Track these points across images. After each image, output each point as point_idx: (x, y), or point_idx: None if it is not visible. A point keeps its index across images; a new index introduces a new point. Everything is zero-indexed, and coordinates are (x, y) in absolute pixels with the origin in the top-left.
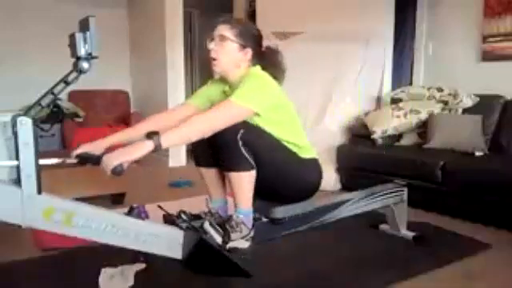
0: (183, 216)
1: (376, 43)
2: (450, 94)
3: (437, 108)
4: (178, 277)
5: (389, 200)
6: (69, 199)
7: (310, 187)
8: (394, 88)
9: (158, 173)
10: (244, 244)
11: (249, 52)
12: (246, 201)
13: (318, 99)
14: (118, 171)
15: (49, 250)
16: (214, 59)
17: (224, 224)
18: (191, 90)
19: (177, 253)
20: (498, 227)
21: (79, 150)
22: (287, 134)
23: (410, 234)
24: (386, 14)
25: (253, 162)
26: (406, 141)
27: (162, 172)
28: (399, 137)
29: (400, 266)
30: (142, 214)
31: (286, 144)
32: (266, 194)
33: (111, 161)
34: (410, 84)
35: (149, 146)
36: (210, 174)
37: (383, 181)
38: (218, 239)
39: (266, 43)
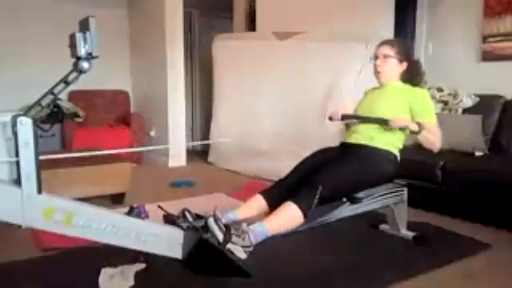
0: (187, 215)
1: (376, 43)
2: (450, 94)
3: (437, 108)
4: (178, 277)
5: (389, 200)
6: (69, 199)
7: (387, 177)
8: None
9: (158, 173)
10: (241, 253)
11: (404, 65)
12: (274, 227)
13: (318, 99)
14: (403, 128)
15: (49, 249)
16: (379, 72)
17: (230, 225)
18: (191, 89)
19: (177, 253)
20: (497, 227)
21: (340, 113)
22: (398, 136)
23: (410, 234)
24: (386, 14)
25: (308, 213)
26: (406, 141)
27: (162, 172)
28: None
29: (400, 266)
30: (142, 214)
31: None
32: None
33: (400, 122)
34: None
35: (415, 127)
36: (260, 205)
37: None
38: (220, 236)
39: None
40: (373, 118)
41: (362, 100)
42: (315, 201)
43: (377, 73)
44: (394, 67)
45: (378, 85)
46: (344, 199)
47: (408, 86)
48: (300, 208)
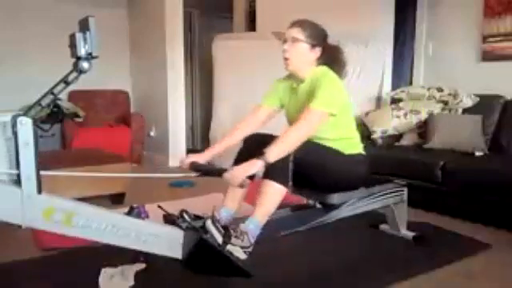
0: (185, 216)
1: (376, 43)
2: (450, 94)
3: (437, 108)
4: (178, 277)
5: (389, 200)
6: (69, 199)
7: (357, 179)
8: (394, 88)
9: (158, 173)
10: (241, 254)
11: (318, 51)
12: (264, 214)
13: None
14: (243, 185)
15: (49, 249)
16: (287, 59)
17: (228, 226)
18: (191, 89)
19: (177, 253)
20: (497, 227)
21: (189, 160)
22: (343, 131)
23: (410, 234)
24: (386, 14)
25: (290, 182)
26: (405, 141)
27: (162, 172)
28: (399, 137)
29: (400, 266)
30: (142, 214)
31: (337, 142)
32: (315, 185)
33: (236, 176)
34: (410, 84)
35: (259, 163)
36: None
37: (383, 181)
38: (219, 238)
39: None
40: (212, 171)
41: (291, 94)
42: (290, 167)
43: (284, 60)
44: (304, 53)
45: (293, 75)
46: (318, 205)
47: (318, 74)
48: (278, 181)
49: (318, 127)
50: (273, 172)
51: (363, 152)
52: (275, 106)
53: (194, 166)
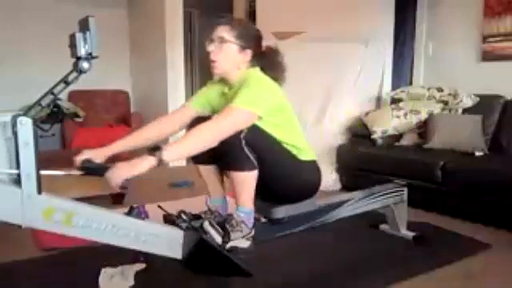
0: (183, 216)
1: (376, 43)
2: (450, 94)
3: (437, 108)
4: (178, 277)
5: (389, 200)
6: (69, 199)
7: (310, 188)
8: (394, 88)
9: (158, 173)
10: (244, 243)
11: (249, 53)
12: (247, 200)
13: (318, 99)
14: (123, 187)
15: (49, 249)
16: (214, 61)
17: (224, 223)
18: (191, 89)
19: (177, 253)
20: (497, 227)
21: (82, 157)
22: (287, 136)
23: (410, 234)
24: (386, 14)
25: (255, 162)
26: (406, 141)
27: (162, 172)
28: (399, 137)
29: (400, 266)
30: (142, 214)
31: (286, 146)
32: (265, 194)
33: (115, 177)
34: (410, 84)
35: (151, 161)
36: (208, 171)
37: (383, 181)
38: (218, 239)
39: (265, 43)
40: (93, 169)
41: (217, 101)
42: (247, 151)
43: (211, 62)
44: (232, 55)
45: (228, 79)
46: (263, 219)
47: (246, 75)
48: (246, 170)
49: (238, 128)
50: (234, 164)
51: (315, 158)
52: (203, 109)
53: (81, 164)
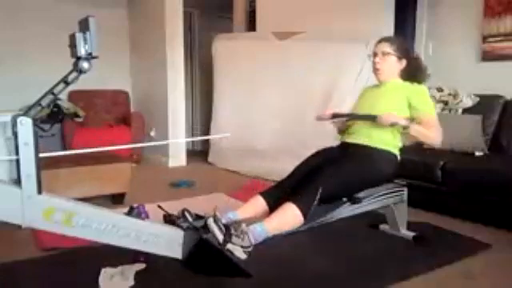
0: (187, 215)
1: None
2: (450, 94)
3: (437, 108)
4: (178, 277)
5: (389, 200)
6: (69, 199)
7: (387, 176)
8: None
9: (158, 173)
10: (241, 254)
11: (404, 62)
12: (274, 227)
13: (318, 99)
14: (394, 123)
15: (49, 249)
16: (378, 69)
17: (230, 225)
18: (191, 89)
19: (177, 253)
20: (497, 227)
21: (329, 111)
22: (395, 134)
23: (410, 234)
24: (386, 14)
25: (308, 214)
26: (405, 141)
27: (162, 172)
28: None
29: (400, 265)
30: (142, 214)
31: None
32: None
33: (390, 118)
34: None
35: (403, 121)
36: (260, 206)
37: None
38: (220, 237)
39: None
40: (361, 116)
41: (361, 99)
42: (315, 202)
43: (376, 70)
44: (393, 65)
45: (376, 83)
46: (344, 199)
47: (407, 83)
48: (300, 209)
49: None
50: (300, 198)
51: (397, 153)
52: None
53: (338, 115)
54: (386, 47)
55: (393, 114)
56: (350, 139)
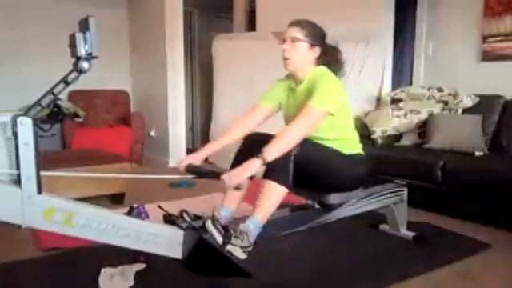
0: (185, 215)
1: (376, 43)
2: (450, 94)
3: (437, 108)
4: (178, 277)
5: (389, 200)
6: (69, 199)
7: (356, 179)
8: (394, 88)
9: (158, 173)
10: (240, 254)
11: (317, 50)
12: (264, 214)
13: None
14: (238, 187)
15: (49, 249)
16: (287, 58)
17: (228, 226)
18: (191, 89)
19: (177, 253)
20: (497, 227)
21: (185, 162)
22: (340, 131)
23: (410, 234)
24: (386, 14)
25: (291, 183)
26: (405, 141)
27: (162, 172)
28: (399, 137)
29: (400, 265)
30: (142, 214)
31: (335, 142)
32: (315, 185)
33: (233, 179)
34: (410, 84)
35: (258, 163)
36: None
37: (383, 181)
38: (219, 238)
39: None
40: (208, 174)
41: (288, 94)
42: (291, 168)
43: (284, 59)
44: (303, 53)
45: (292, 75)
46: (316, 205)
47: (317, 74)
48: (279, 183)
49: (316, 126)
50: (273, 172)
51: (362, 152)
52: (273, 106)
53: (191, 169)
54: (296, 32)
55: (236, 173)
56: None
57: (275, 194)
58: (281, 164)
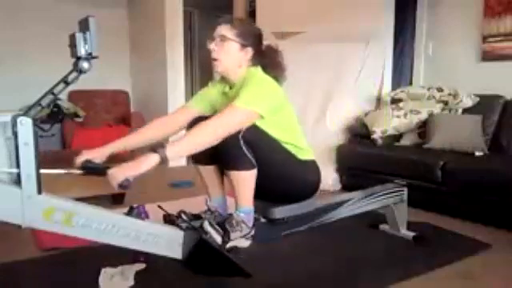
0: (183, 216)
1: (376, 43)
2: (450, 94)
3: (437, 108)
4: (177, 277)
5: (389, 200)
6: (69, 199)
7: (309, 188)
8: (394, 88)
9: (158, 173)
10: (244, 243)
11: (249, 51)
12: (247, 199)
13: (318, 99)
14: (124, 185)
15: (49, 249)
16: (215, 59)
17: (224, 223)
18: (191, 89)
19: (177, 253)
20: (497, 227)
21: (82, 158)
22: (287, 135)
23: (410, 234)
24: (386, 14)
25: (254, 161)
26: (405, 141)
27: (162, 172)
28: (399, 137)
29: (400, 265)
30: (141, 214)
31: (285, 145)
32: (264, 194)
33: (118, 175)
34: (410, 84)
35: (155, 159)
36: (208, 171)
37: (383, 181)
38: (218, 239)
39: (266, 42)
40: (94, 168)
41: (218, 100)
42: (245, 151)
43: (213, 60)
44: (233, 53)
45: (225, 78)
46: (262, 219)
47: (247, 75)
48: (243, 169)
49: (240, 127)
50: (233, 162)
51: (314, 158)
52: (204, 109)
53: (83, 165)
54: (225, 30)
55: (125, 169)
56: None
57: (247, 179)
58: (235, 152)
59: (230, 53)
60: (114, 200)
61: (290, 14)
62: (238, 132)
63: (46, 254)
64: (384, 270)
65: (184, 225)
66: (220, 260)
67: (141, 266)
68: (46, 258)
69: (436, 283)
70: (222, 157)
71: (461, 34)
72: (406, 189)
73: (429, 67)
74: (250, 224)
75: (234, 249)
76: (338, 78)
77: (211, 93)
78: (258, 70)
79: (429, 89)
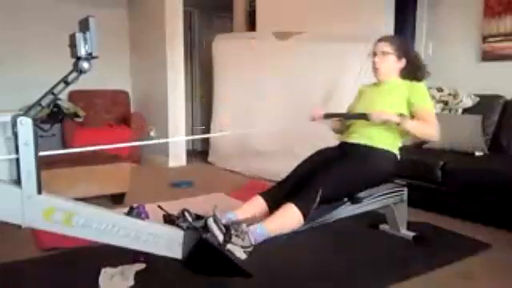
0: (187, 215)
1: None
2: (450, 94)
3: (437, 108)
4: (178, 277)
5: (389, 200)
6: (69, 199)
7: (386, 176)
8: None
9: (158, 173)
10: (241, 254)
11: (403, 61)
12: (274, 229)
13: (318, 99)
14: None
15: (49, 249)
16: (377, 69)
17: (230, 225)
18: (191, 89)
19: (177, 253)
20: (497, 227)
21: (320, 112)
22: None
23: (410, 234)
24: (386, 14)
25: (308, 215)
26: (406, 141)
27: (162, 172)
28: None
29: (400, 266)
30: (142, 214)
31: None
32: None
33: (379, 114)
34: None
35: (397, 119)
36: (260, 206)
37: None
38: (220, 237)
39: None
40: (353, 115)
41: (360, 97)
42: (315, 203)
43: (375, 70)
44: (392, 64)
45: (373, 81)
46: (345, 199)
47: (406, 82)
48: (300, 210)
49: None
50: (300, 198)
51: (397, 152)
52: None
53: (329, 115)
54: (386, 47)
55: (385, 112)
56: (351, 139)
57: (291, 217)
58: (310, 194)
59: (389, 64)
60: (114, 200)
61: (289, 13)
62: (320, 185)
63: (46, 253)
64: (384, 269)
65: (184, 225)
66: (220, 260)
67: (141, 266)
68: (46, 257)
69: (436, 283)
70: (296, 189)
71: (461, 34)
72: (405, 189)
73: (429, 67)
74: (253, 241)
75: (231, 252)
76: (338, 77)
77: (364, 93)
78: (420, 83)
79: (429, 89)
